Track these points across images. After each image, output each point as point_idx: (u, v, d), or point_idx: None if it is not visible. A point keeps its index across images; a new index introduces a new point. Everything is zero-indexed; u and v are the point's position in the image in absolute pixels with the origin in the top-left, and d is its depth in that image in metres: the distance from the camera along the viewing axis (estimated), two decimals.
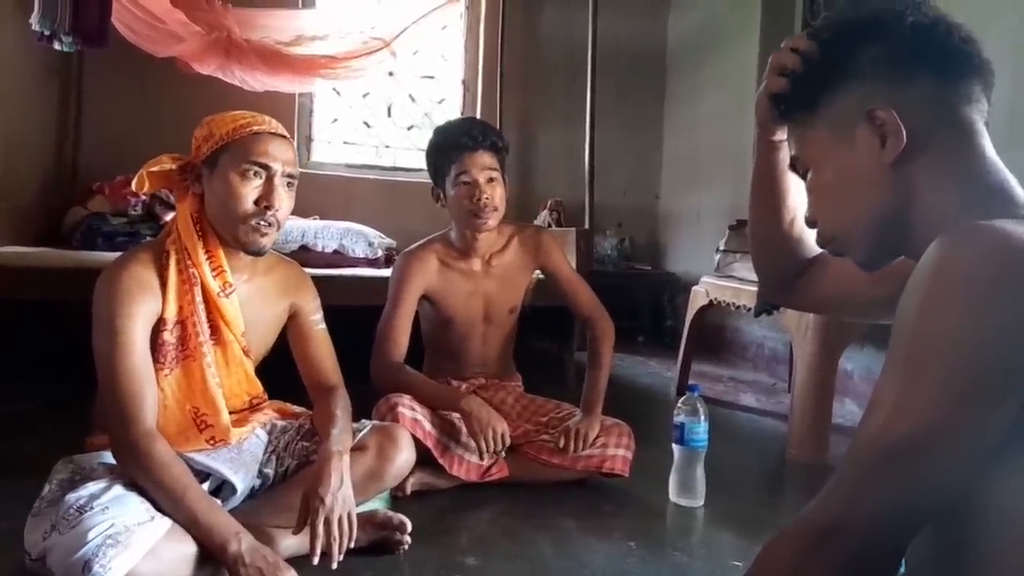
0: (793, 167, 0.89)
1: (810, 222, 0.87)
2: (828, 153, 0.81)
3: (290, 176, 1.40)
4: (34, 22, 2.63)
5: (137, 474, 1.22)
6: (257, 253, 1.40)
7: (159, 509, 1.20)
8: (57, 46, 2.74)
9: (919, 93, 0.75)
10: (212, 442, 1.38)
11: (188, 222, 1.38)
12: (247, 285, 1.46)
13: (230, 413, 1.42)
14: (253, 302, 1.47)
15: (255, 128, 1.37)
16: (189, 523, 1.19)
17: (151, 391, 1.28)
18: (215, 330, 1.40)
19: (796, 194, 1.00)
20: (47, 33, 2.66)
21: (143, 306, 1.30)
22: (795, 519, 0.69)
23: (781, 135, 0.96)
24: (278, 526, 1.36)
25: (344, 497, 1.30)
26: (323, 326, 1.59)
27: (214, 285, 1.38)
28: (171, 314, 1.34)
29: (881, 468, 0.63)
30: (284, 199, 1.39)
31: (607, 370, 1.99)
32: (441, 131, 2.00)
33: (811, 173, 0.84)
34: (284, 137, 1.41)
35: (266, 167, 1.36)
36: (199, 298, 1.36)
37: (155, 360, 1.31)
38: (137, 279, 1.31)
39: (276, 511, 1.39)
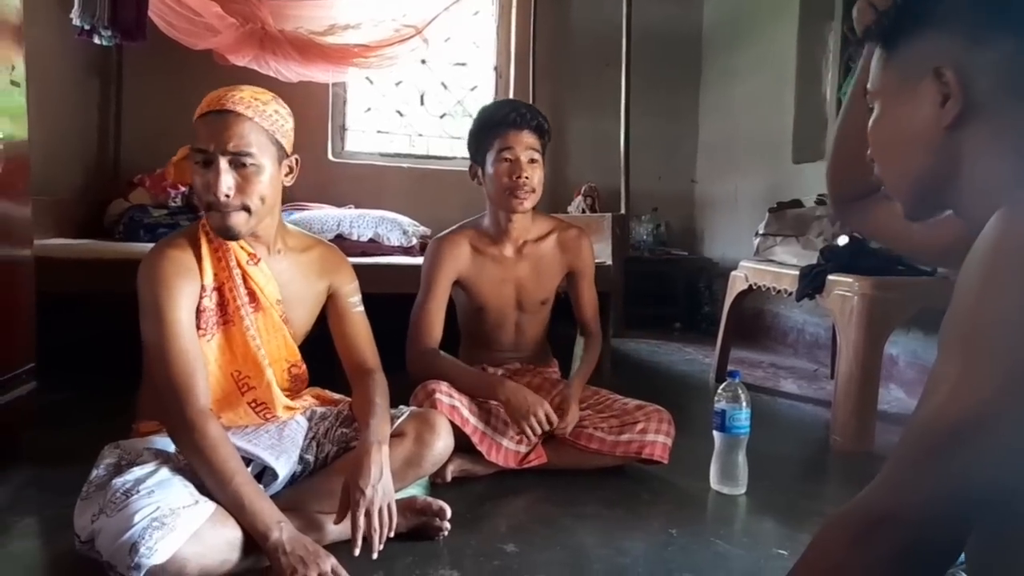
0: (866, 95, 0.87)
1: (870, 158, 0.86)
2: (893, 98, 0.80)
3: (238, 153, 1.29)
4: (74, 17, 2.69)
5: (190, 453, 1.24)
6: (228, 237, 1.34)
7: (203, 493, 1.21)
8: (96, 40, 2.79)
9: (994, 56, 0.71)
10: (254, 406, 1.40)
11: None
12: (281, 259, 1.46)
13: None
14: (289, 276, 1.47)
15: (205, 110, 1.31)
16: (235, 508, 1.20)
17: (202, 371, 1.31)
18: (253, 296, 1.41)
19: None
20: (87, 28, 2.71)
21: (185, 288, 1.32)
22: (845, 507, 0.66)
23: None
24: (320, 512, 1.38)
25: (384, 488, 1.31)
26: (361, 308, 1.59)
27: (242, 256, 1.39)
28: (208, 280, 1.36)
29: (936, 454, 0.60)
30: (230, 179, 1.29)
31: (592, 367, 2.03)
32: (488, 107, 2.03)
33: (875, 111, 0.83)
34: (231, 112, 1.29)
35: (204, 151, 1.29)
36: (233, 263, 1.38)
37: (197, 327, 1.34)
38: (176, 262, 1.33)
39: (318, 497, 1.40)
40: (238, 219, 1.33)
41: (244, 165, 1.30)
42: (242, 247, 1.39)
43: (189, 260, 1.35)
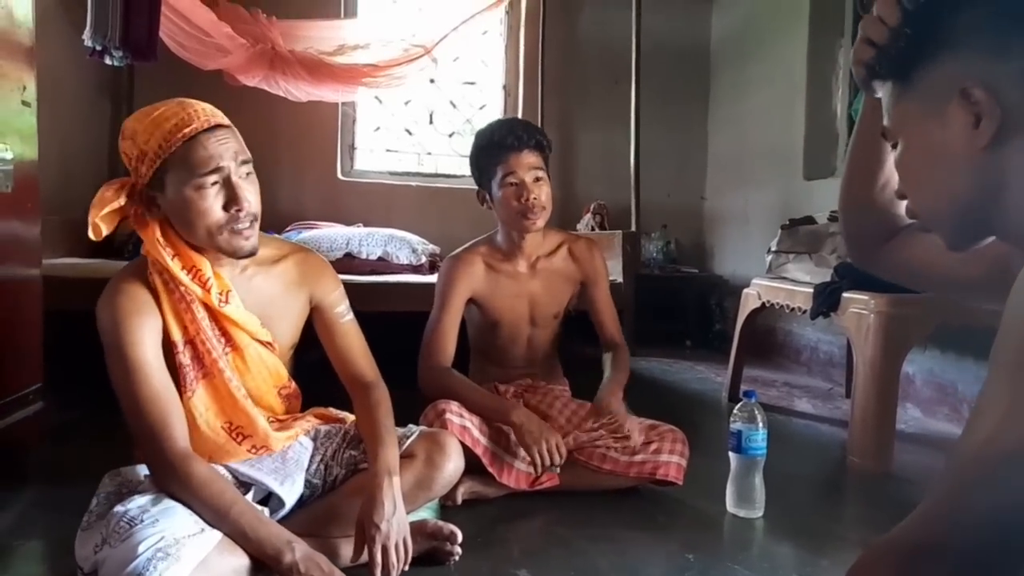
0: (884, 136, 0.84)
1: (900, 194, 0.83)
2: (918, 128, 0.76)
3: (244, 163, 1.26)
4: (86, 38, 2.70)
5: (180, 496, 1.19)
6: (249, 255, 1.29)
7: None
8: (108, 61, 2.80)
9: (1020, 67, 0.69)
10: (254, 451, 1.36)
11: (158, 249, 1.26)
12: (252, 275, 1.37)
13: (269, 419, 1.39)
14: (267, 291, 1.38)
15: (186, 131, 1.21)
16: (239, 537, 1.17)
17: (176, 409, 1.24)
18: (228, 338, 1.33)
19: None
20: (98, 48, 2.72)
21: (147, 324, 1.25)
22: (888, 535, 0.63)
23: None
24: (330, 536, 1.35)
25: (398, 522, 1.28)
26: (350, 317, 1.50)
27: (212, 299, 1.28)
28: (178, 337, 1.28)
29: (986, 483, 0.57)
30: (249, 191, 1.26)
31: (626, 376, 1.98)
32: (485, 133, 1.97)
33: (900, 146, 0.79)
34: (220, 126, 1.25)
35: (219, 170, 1.23)
36: (201, 314, 1.28)
37: (178, 385, 1.27)
38: (133, 299, 1.25)
39: (330, 521, 1.37)
40: (255, 231, 1.28)
41: (248, 174, 1.28)
42: (209, 290, 1.27)
43: (147, 297, 1.26)
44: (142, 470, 1.31)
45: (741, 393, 1.81)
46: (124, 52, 2.75)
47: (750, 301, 2.96)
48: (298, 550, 1.18)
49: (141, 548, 1.07)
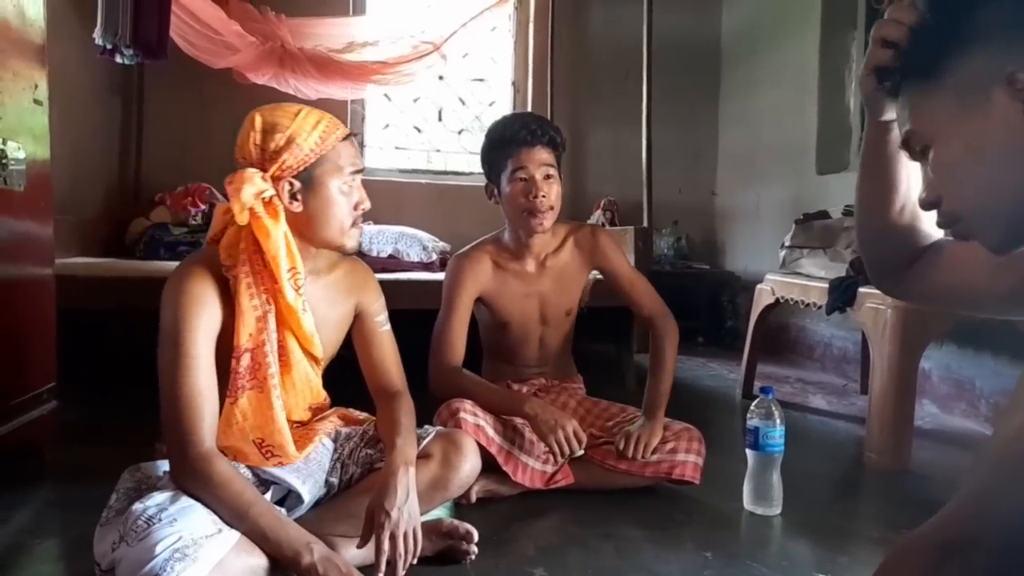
0: (906, 145, 0.81)
1: (928, 204, 0.78)
2: (956, 123, 0.72)
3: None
4: (97, 36, 2.71)
5: (198, 494, 1.18)
6: (354, 251, 1.41)
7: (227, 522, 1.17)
8: (119, 59, 2.81)
9: None
10: (280, 465, 1.35)
11: (275, 243, 1.25)
12: (313, 286, 1.39)
13: (293, 424, 1.38)
14: (320, 302, 1.40)
15: (337, 134, 1.33)
16: (257, 537, 1.17)
17: (211, 408, 1.24)
18: (282, 353, 1.32)
19: (907, 179, 0.91)
20: (109, 47, 2.73)
21: (207, 315, 1.25)
22: (918, 531, 0.61)
23: (890, 115, 0.87)
24: (340, 535, 1.34)
25: (410, 512, 1.26)
26: (388, 327, 1.52)
27: (297, 304, 1.30)
28: (244, 341, 1.27)
29: (1017, 479, 0.56)
30: None
31: (670, 372, 1.90)
32: (498, 125, 1.93)
33: (934, 148, 0.76)
34: (352, 134, 1.40)
35: (359, 172, 1.38)
36: (272, 326, 1.29)
37: (228, 389, 1.26)
38: (203, 287, 1.25)
39: (339, 519, 1.36)
40: None
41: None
42: (300, 295, 1.30)
43: (214, 291, 1.26)
44: (162, 466, 1.31)
45: (757, 389, 1.79)
46: (135, 51, 2.76)
47: (764, 297, 2.94)
48: (317, 551, 1.17)
49: (159, 548, 1.06)
